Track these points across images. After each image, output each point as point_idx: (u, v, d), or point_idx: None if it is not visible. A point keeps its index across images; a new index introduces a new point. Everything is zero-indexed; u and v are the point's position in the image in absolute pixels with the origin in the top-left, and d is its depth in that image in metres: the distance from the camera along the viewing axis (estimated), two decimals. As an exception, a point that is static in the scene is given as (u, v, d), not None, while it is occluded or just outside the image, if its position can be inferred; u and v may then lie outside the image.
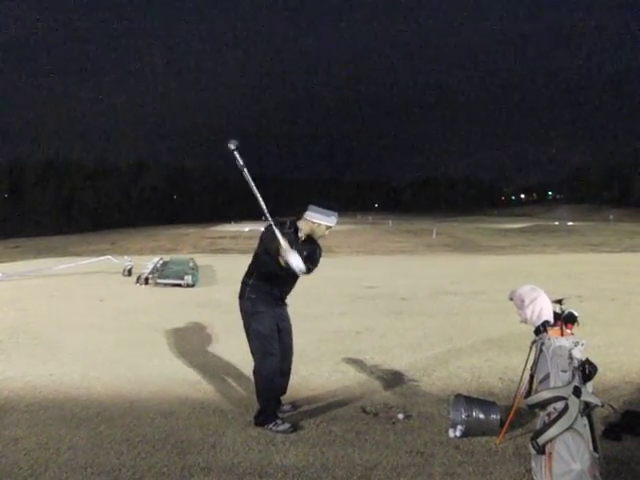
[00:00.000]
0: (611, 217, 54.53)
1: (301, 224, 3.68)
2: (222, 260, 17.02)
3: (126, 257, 14.36)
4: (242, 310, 3.73)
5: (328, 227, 3.69)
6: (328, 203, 3.69)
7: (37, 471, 3.02)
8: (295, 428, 3.58)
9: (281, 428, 3.54)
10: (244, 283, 3.74)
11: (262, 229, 3.65)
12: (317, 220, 3.63)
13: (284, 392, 3.88)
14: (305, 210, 3.69)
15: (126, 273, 12.35)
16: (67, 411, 3.95)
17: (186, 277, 10.69)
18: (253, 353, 3.70)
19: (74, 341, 6.12)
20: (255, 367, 3.69)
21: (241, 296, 3.74)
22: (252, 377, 3.75)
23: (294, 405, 3.99)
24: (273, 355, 3.63)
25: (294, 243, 3.51)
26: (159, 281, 10.87)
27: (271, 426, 3.56)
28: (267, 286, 3.68)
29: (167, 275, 11.16)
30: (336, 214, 3.69)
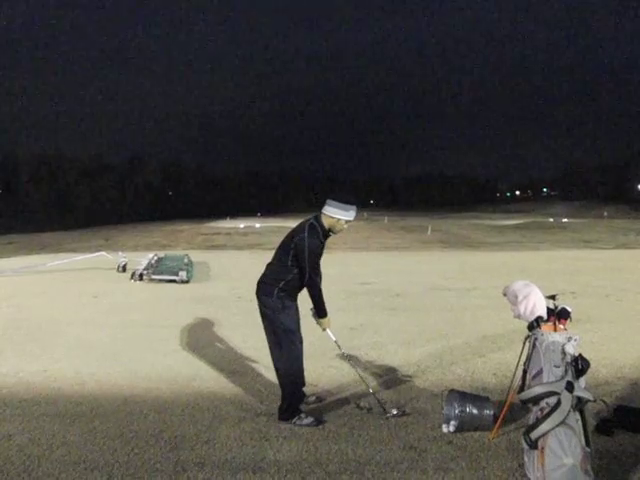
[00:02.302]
0: (605, 214, 54.71)
1: (322, 220, 3.64)
2: (217, 256, 16.98)
3: (120, 253, 14.31)
4: (268, 307, 3.64)
5: (347, 221, 3.67)
6: (347, 197, 3.66)
7: (30, 467, 3.02)
8: (320, 422, 3.56)
9: (305, 422, 3.54)
10: (271, 285, 3.63)
11: (304, 241, 3.54)
12: (336, 215, 3.61)
13: (304, 384, 3.82)
14: (324, 205, 3.65)
15: (120, 269, 12.32)
16: (60, 407, 3.94)
17: (181, 273, 10.68)
18: (279, 347, 3.61)
19: (68, 337, 6.11)
20: (282, 362, 3.62)
21: (267, 295, 3.63)
22: (251, 373, 3.74)
23: (319, 397, 4.01)
24: (300, 346, 3.64)
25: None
26: (154, 277, 10.86)
27: (295, 420, 3.56)
28: (295, 286, 3.66)
29: (162, 271, 11.15)
30: (355, 207, 3.67)
